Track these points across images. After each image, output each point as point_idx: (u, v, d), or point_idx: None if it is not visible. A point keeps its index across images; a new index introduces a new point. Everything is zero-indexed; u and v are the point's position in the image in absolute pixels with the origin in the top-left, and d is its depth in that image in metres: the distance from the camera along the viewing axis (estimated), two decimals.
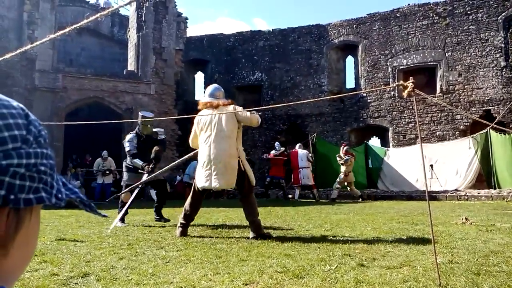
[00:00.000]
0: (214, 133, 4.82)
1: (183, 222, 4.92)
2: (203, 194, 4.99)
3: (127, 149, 6.61)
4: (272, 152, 14.26)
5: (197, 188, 4.88)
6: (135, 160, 6.47)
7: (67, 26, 2.96)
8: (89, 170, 16.47)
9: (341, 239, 4.45)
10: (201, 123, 4.95)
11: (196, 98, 22.01)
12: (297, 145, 14.16)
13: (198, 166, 4.89)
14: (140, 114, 7.04)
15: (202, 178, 4.78)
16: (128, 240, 4.58)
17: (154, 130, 7.06)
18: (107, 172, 14.32)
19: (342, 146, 13.25)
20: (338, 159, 13.03)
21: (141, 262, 3.40)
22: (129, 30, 18.65)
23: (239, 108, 5.08)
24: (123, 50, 20.04)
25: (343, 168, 12.65)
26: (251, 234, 4.61)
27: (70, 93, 15.91)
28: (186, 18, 18.77)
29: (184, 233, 4.88)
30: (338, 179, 12.73)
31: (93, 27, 20.97)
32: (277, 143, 14.59)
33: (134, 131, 6.86)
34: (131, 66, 17.76)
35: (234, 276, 2.89)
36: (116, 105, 16.63)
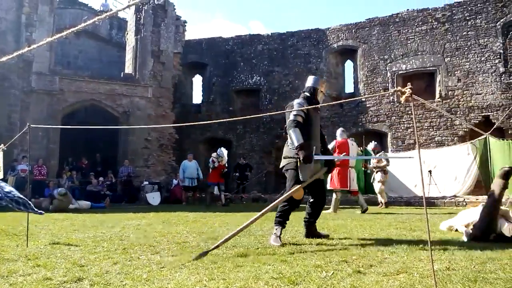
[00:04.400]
0: None
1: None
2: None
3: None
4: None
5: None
6: None
7: (66, 29, 2.94)
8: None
9: (338, 245, 4.41)
10: None
11: (194, 101, 22.02)
12: (340, 130, 10.14)
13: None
14: None
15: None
16: (122, 245, 4.54)
17: None
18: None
19: (372, 149, 12.20)
20: (371, 163, 11.68)
21: (136, 267, 3.36)
22: (127, 33, 18.65)
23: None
24: (121, 52, 20.03)
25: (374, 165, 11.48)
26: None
27: (67, 96, 15.88)
28: (185, 22, 18.78)
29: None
30: (379, 180, 11.23)
31: (91, 30, 20.95)
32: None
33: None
34: (128, 69, 17.75)
35: (229, 282, 2.85)
36: (113, 108, 16.61)
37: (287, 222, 4.78)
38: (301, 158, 4.57)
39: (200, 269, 3.25)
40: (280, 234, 4.61)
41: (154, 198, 14.82)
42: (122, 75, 17.34)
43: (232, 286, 2.75)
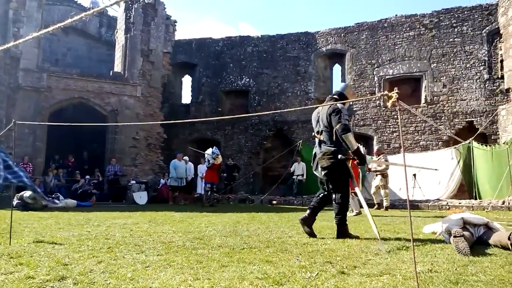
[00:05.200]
0: None
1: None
2: None
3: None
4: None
5: None
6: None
7: (54, 25, 2.93)
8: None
9: (323, 246, 4.45)
10: None
11: (183, 101, 21.96)
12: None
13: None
14: None
15: None
16: (108, 244, 4.52)
17: None
18: None
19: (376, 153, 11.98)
20: (372, 166, 11.60)
21: (120, 266, 3.35)
22: (117, 31, 18.53)
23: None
24: (110, 51, 19.88)
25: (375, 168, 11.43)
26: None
27: (55, 93, 15.71)
28: (175, 21, 18.71)
29: None
30: (381, 185, 11.38)
31: (80, 27, 20.78)
32: None
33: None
34: (117, 67, 17.62)
35: (214, 282, 2.87)
36: (101, 106, 16.47)
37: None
38: (358, 161, 5.15)
39: (185, 269, 3.26)
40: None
41: (141, 197, 14.74)
42: (111, 74, 17.20)
43: (217, 286, 2.76)
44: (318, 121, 5.33)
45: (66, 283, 2.85)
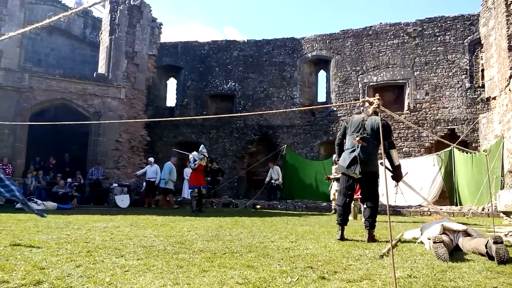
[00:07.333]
0: None
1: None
2: None
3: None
4: None
5: None
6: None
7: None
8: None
9: (305, 251, 4.45)
10: None
11: (168, 104, 21.84)
12: None
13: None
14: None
15: None
16: (87, 247, 4.44)
17: None
18: None
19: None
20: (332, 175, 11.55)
21: (99, 271, 3.30)
22: (101, 33, 18.34)
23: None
24: (95, 52, 19.67)
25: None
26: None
27: (37, 94, 15.44)
28: (161, 24, 18.61)
29: None
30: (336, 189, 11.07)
31: (64, 27, 20.52)
32: None
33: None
34: (101, 69, 17.43)
35: (193, 287, 2.84)
36: (84, 108, 16.24)
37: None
38: (397, 176, 5.54)
39: (165, 274, 3.22)
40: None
41: (123, 200, 14.54)
42: (94, 75, 16.99)
43: None
44: (360, 128, 5.59)
45: (42, 287, 2.79)
